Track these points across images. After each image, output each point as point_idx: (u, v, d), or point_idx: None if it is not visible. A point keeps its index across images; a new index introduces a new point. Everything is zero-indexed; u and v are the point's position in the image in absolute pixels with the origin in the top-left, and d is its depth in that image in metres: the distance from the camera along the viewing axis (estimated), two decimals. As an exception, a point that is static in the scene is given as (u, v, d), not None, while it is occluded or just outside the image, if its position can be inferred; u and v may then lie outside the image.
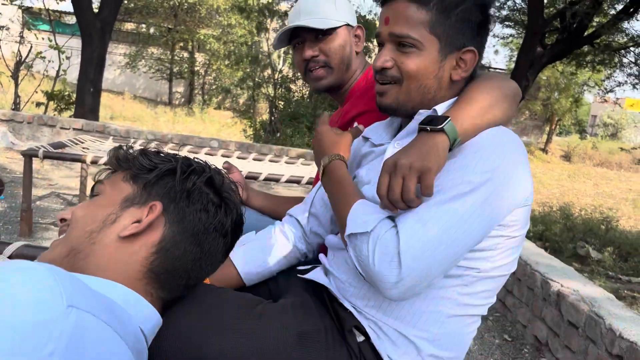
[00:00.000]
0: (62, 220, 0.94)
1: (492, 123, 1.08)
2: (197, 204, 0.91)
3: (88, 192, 4.06)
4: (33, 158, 3.51)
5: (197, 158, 0.98)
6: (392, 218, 1.05)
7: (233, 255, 1.30)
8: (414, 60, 1.11)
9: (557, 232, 8.32)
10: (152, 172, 0.91)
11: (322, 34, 1.61)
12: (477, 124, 1.06)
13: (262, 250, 1.34)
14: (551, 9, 9.13)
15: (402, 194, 0.99)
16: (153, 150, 0.97)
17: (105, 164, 1.00)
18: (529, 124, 24.98)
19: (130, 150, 0.96)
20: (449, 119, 1.03)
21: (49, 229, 3.93)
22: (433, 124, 1.04)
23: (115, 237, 0.86)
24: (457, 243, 0.99)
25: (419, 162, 0.98)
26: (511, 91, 1.16)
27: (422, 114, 1.13)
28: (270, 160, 4.37)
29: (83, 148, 4.03)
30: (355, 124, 1.55)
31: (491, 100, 1.10)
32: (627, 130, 28.91)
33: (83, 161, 3.47)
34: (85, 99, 8.66)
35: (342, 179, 1.17)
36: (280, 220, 1.45)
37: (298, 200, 1.71)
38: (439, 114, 1.10)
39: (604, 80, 11.62)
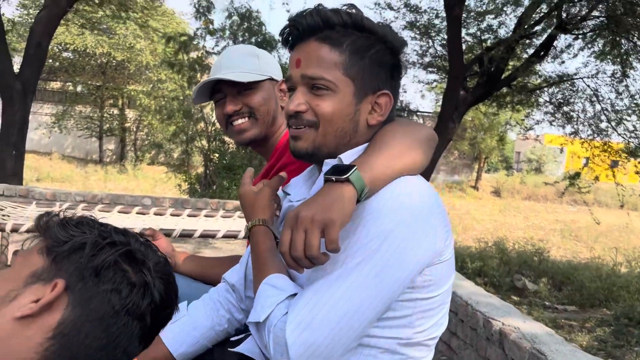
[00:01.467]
0: None
1: (404, 171, 1.02)
2: (107, 283, 0.82)
3: (9, 262, 3.79)
4: (-55, 230, 3.24)
5: (125, 227, 0.89)
6: (293, 296, 1.00)
7: (163, 334, 1.21)
8: (328, 102, 1.04)
9: (494, 266, 8.56)
10: (66, 244, 0.82)
11: (244, 88, 1.53)
12: (386, 173, 0.99)
13: (195, 327, 1.26)
14: (470, 55, 9.68)
15: (305, 250, 0.92)
16: (78, 218, 0.87)
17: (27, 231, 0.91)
18: (458, 163, 25.97)
19: (55, 218, 0.86)
20: (355, 168, 0.96)
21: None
22: (338, 173, 0.97)
23: (11, 317, 0.77)
24: (353, 321, 0.94)
25: (321, 215, 0.91)
26: (425, 137, 1.11)
27: (328, 164, 1.05)
28: (206, 215, 4.24)
29: (2, 215, 3.77)
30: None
31: (402, 147, 1.04)
32: (549, 165, 30.63)
33: (2, 230, 3.24)
34: (7, 162, 8.24)
35: (257, 248, 1.12)
36: (215, 285, 1.37)
37: (233, 260, 1.63)
38: (345, 162, 1.03)
39: (523, 119, 12.33)
